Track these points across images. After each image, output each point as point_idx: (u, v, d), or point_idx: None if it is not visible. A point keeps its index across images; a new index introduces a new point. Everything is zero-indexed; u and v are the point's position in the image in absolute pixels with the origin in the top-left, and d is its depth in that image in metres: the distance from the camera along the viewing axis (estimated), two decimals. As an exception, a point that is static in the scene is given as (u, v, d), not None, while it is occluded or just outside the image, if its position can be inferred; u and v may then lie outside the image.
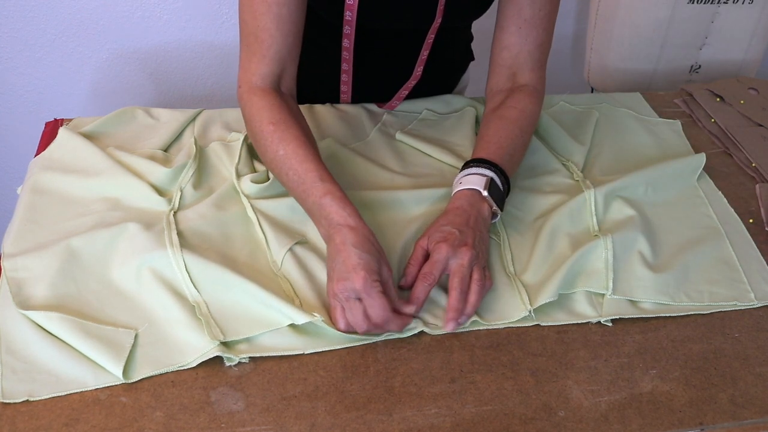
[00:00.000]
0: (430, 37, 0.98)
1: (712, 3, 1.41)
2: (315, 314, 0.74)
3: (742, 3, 1.42)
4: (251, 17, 0.87)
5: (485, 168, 0.88)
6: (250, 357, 0.74)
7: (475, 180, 0.87)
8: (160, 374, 0.72)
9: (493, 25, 0.99)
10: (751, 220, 0.97)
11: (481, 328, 0.79)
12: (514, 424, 0.70)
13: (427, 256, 0.82)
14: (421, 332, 0.78)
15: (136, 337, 0.74)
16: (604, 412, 0.72)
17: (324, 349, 0.75)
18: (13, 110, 1.66)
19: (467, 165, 0.90)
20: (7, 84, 1.61)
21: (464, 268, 0.79)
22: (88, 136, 1.00)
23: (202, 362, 0.72)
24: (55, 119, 1.06)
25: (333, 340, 0.76)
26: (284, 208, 0.88)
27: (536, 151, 1.04)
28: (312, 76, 1.07)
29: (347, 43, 0.99)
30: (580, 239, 0.88)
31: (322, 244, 0.84)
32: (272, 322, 0.75)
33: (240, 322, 0.76)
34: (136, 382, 0.71)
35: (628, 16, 1.43)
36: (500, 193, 0.88)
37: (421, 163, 1.01)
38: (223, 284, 0.78)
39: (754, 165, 1.06)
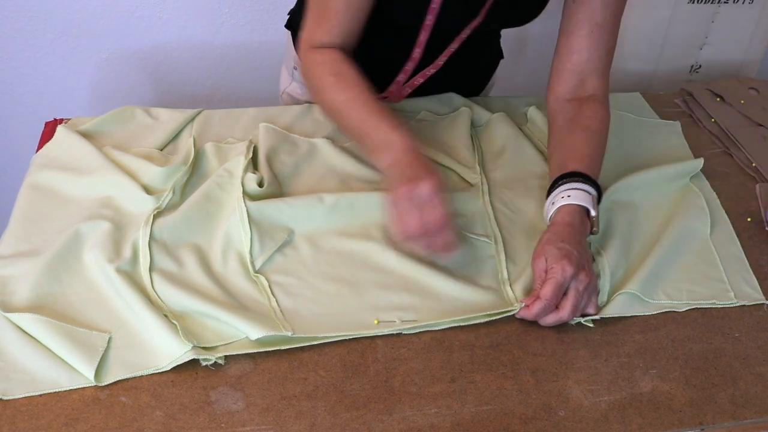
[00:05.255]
0: (465, 32, 0.98)
1: (712, 3, 1.41)
2: (269, 330, 0.74)
3: (742, 3, 1.42)
4: None
5: (589, 185, 0.86)
6: (229, 356, 0.74)
7: (583, 197, 0.85)
8: (160, 374, 0.72)
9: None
10: (749, 219, 0.97)
11: (460, 324, 0.79)
12: (514, 423, 0.70)
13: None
14: (421, 332, 0.78)
15: (110, 340, 0.74)
16: (604, 411, 0.72)
17: (298, 345, 0.75)
18: (13, 110, 1.66)
19: (569, 177, 0.87)
20: (7, 84, 1.61)
21: (580, 294, 0.78)
22: (86, 135, 1.00)
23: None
24: (55, 119, 1.06)
25: (305, 338, 0.76)
26: (272, 210, 0.88)
27: (528, 153, 1.04)
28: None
29: (418, 51, 0.99)
30: None
31: (305, 245, 0.86)
32: (230, 335, 0.75)
33: (207, 331, 0.76)
34: (136, 382, 0.71)
35: (628, 16, 1.43)
36: (597, 211, 0.87)
37: None
38: (185, 296, 0.78)
39: (754, 165, 1.06)
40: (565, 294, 0.78)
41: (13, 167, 1.75)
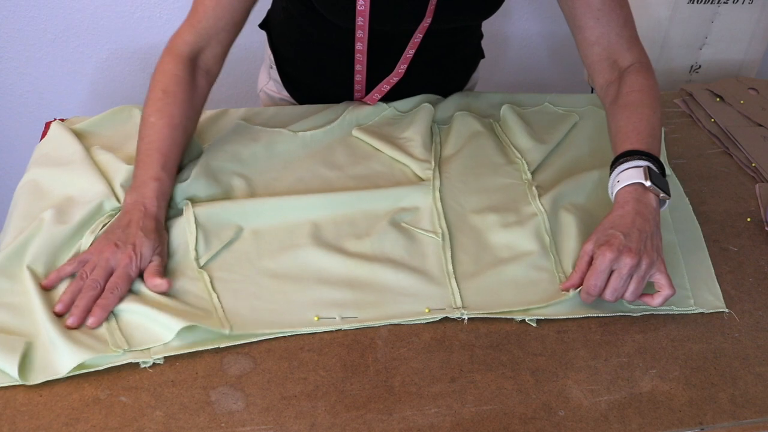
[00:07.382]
0: (417, 36, 0.99)
1: (712, 3, 1.41)
2: (188, 321, 0.74)
3: (742, 3, 1.42)
4: None
5: (637, 158, 0.84)
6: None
7: (633, 173, 0.83)
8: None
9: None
10: (749, 219, 0.97)
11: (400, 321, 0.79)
12: (514, 423, 0.70)
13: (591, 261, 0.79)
14: (421, 332, 0.78)
15: (30, 344, 0.72)
16: (604, 411, 0.72)
17: (240, 342, 0.75)
18: (13, 110, 1.66)
19: (618, 161, 0.86)
20: (7, 84, 1.61)
21: (622, 279, 0.77)
22: (83, 134, 1.00)
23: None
24: (55, 119, 1.06)
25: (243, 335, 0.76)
26: (219, 209, 0.88)
27: (490, 149, 1.03)
28: (326, 77, 1.09)
29: (360, 45, 1.00)
30: (528, 252, 0.87)
31: (250, 241, 0.87)
32: (160, 337, 0.74)
33: (139, 331, 0.75)
34: (136, 381, 0.71)
35: (627, 16, 1.43)
36: (660, 178, 0.85)
37: (374, 160, 1.01)
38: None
39: (753, 165, 1.07)
40: (609, 275, 0.78)
41: (13, 167, 1.75)
